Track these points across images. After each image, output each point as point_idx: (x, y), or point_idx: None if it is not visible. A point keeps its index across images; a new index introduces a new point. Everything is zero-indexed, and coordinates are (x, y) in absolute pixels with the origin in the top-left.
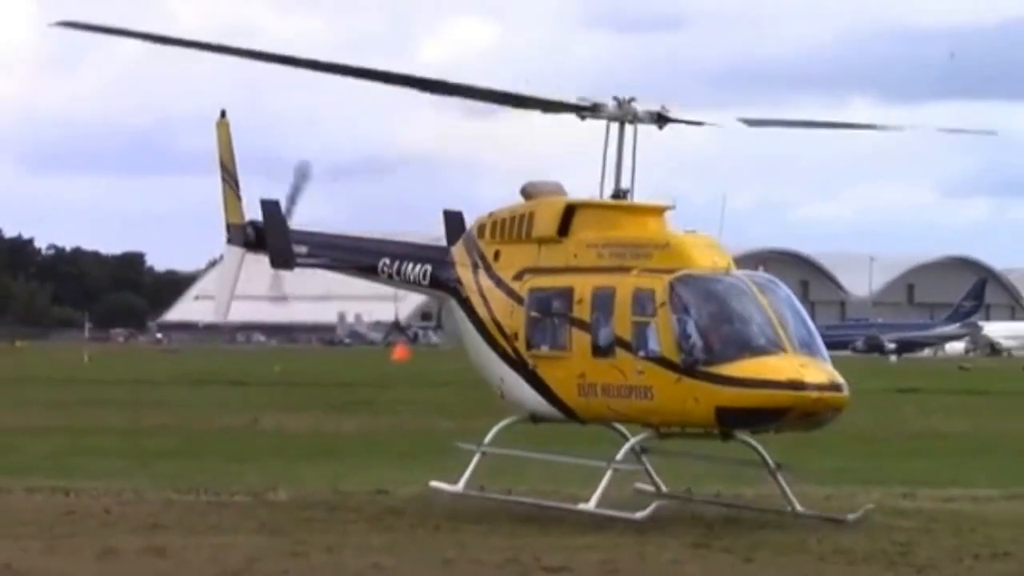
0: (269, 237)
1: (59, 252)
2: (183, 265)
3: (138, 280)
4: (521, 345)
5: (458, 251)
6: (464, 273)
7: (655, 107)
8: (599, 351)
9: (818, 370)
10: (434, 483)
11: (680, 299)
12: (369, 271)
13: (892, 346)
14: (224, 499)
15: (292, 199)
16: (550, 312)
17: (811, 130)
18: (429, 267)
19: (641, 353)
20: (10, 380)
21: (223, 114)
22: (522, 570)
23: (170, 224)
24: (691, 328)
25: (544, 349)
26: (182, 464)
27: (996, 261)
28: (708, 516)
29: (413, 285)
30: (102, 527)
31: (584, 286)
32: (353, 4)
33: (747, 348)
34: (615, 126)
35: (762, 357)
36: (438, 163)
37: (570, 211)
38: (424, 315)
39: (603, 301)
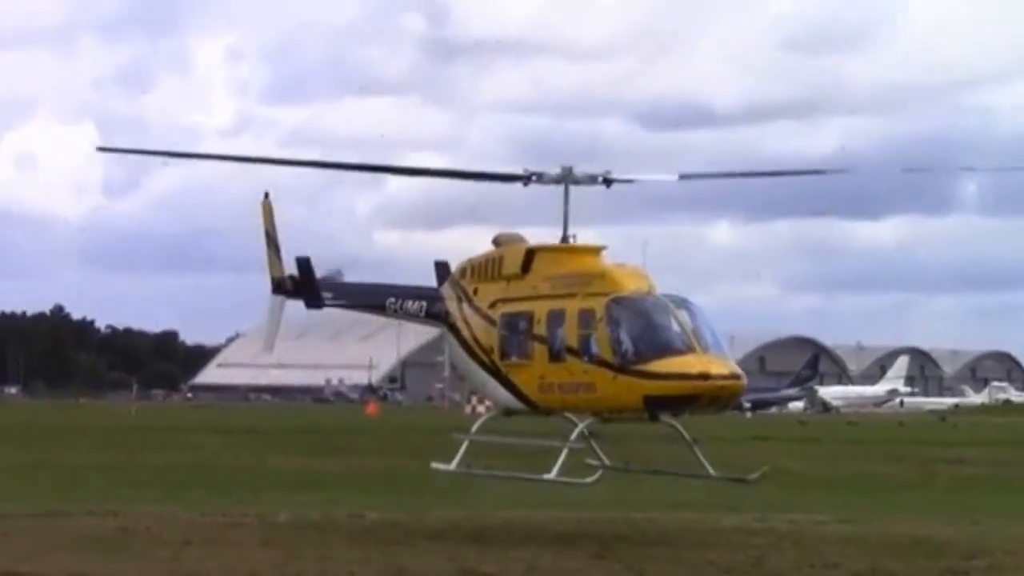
0: (302, 284)
1: (114, 331)
2: (208, 340)
3: (173, 352)
4: (496, 357)
5: (446, 290)
6: (451, 306)
7: (599, 171)
8: (554, 358)
9: (721, 365)
10: (434, 464)
11: (614, 315)
12: (379, 308)
13: (748, 405)
14: (237, 520)
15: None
16: (517, 331)
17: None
18: (424, 303)
19: (586, 357)
20: (74, 429)
21: (266, 195)
22: (461, 573)
23: (198, 310)
24: (623, 336)
25: (514, 359)
26: (206, 494)
27: (827, 339)
28: (606, 534)
29: (413, 317)
30: (144, 542)
31: (541, 309)
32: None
33: (666, 350)
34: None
35: (678, 356)
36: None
37: (530, 254)
38: (391, 379)
39: (556, 320)
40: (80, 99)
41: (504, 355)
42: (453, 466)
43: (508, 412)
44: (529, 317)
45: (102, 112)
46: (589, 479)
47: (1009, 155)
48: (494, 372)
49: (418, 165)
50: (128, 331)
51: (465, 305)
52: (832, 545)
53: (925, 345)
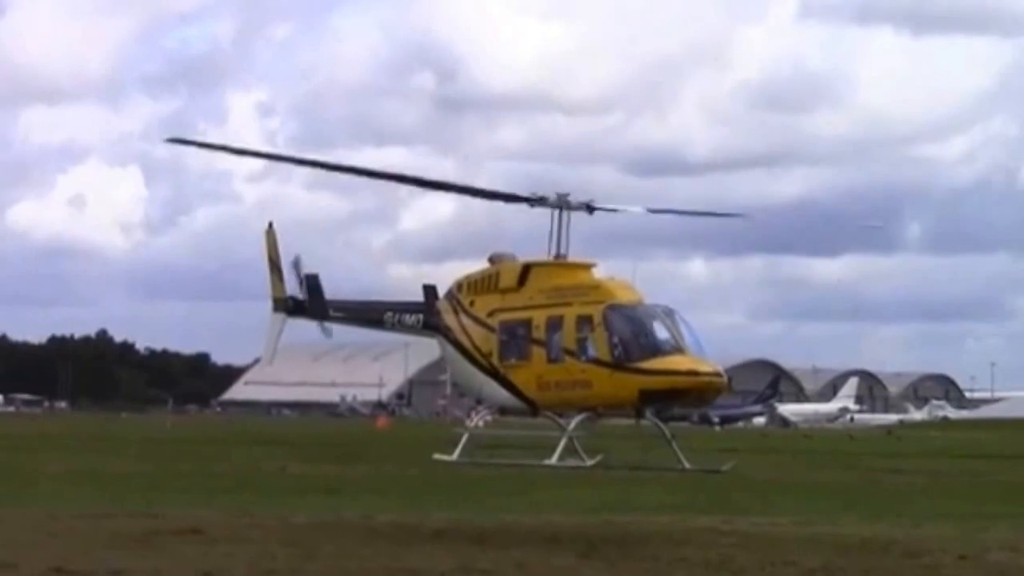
0: (310, 301)
1: (152, 352)
2: (237, 361)
3: (205, 371)
4: (495, 360)
5: (442, 304)
6: (449, 318)
7: (585, 200)
8: (552, 359)
9: (706, 364)
10: (436, 455)
11: (610, 320)
12: (378, 323)
13: (717, 420)
14: (260, 521)
15: (301, 283)
16: (515, 336)
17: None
18: (421, 316)
19: (583, 358)
20: (116, 439)
21: (270, 225)
22: (456, 571)
23: (228, 333)
24: (619, 339)
25: (513, 361)
26: (233, 498)
27: (786, 362)
28: (591, 535)
29: (410, 329)
30: (177, 541)
31: (540, 316)
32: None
33: (658, 351)
34: (557, 212)
35: (668, 356)
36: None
37: (527, 269)
38: (399, 396)
39: (554, 325)
40: (126, 146)
41: (503, 358)
42: (455, 456)
43: (504, 411)
44: (527, 323)
45: (146, 157)
46: (590, 462)
47: (950, 202)
48: (492, 374)
49: (440, 179)
50: (165, 352)
51: (462, 316)
52: (790, 545)
53: (873, 368)
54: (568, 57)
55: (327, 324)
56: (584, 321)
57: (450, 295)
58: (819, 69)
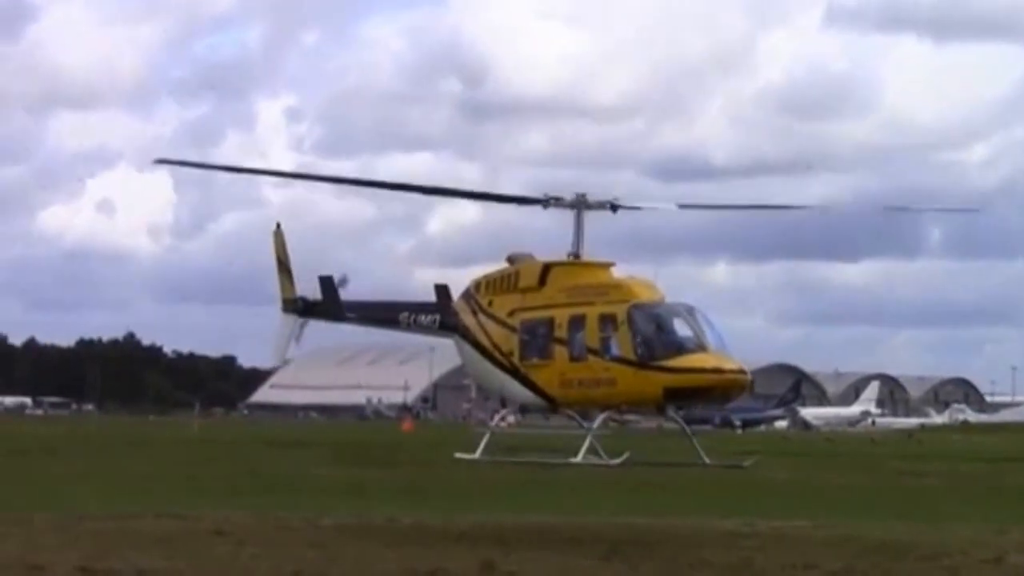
0: (325, 302)
1: (179, 355)
2: (263, 364)
3: (232, 374)
4: (516, 359)
5: (459, 304)
6: (467, 318)
7: (608, 198)
8: (575, 357)
9: (730, 361)
10: (457, 454)
11: (634, 319)
12: (394, 323)
13: (739, 423)
14: (286, 523)
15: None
16: (537, 335)
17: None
18: (437, 316)
19: (607, 356)
20: (144, 441)
21: (278, 226)
22: (480, 572)
23: (254, 337)
24: (643, 337)
25: (534, 360)
26: (259, 500)
27: (808, 366)
28: (612, 537)
29: (426, 329)
30: (204, 542)
31: (562, 315)
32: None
33: (683, 349)
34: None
35: (692, 354)
36: None
37: (547, 269)
38: (424, 399)
39: (576, 324)
40: (155, 151)
41: (524, 357)
42: (477, 455)
43: (524, 409)
44: (549, 322)
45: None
46: (616, 460)
47: (971, 208)
48: (513, 372)
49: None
50: (192, 356)
51: (481, 316)
52: (811, 547)
53: (894, 372)
54: (593, 62)
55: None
56: (607, 320)
57: (467, 295)
58: (843, 75)
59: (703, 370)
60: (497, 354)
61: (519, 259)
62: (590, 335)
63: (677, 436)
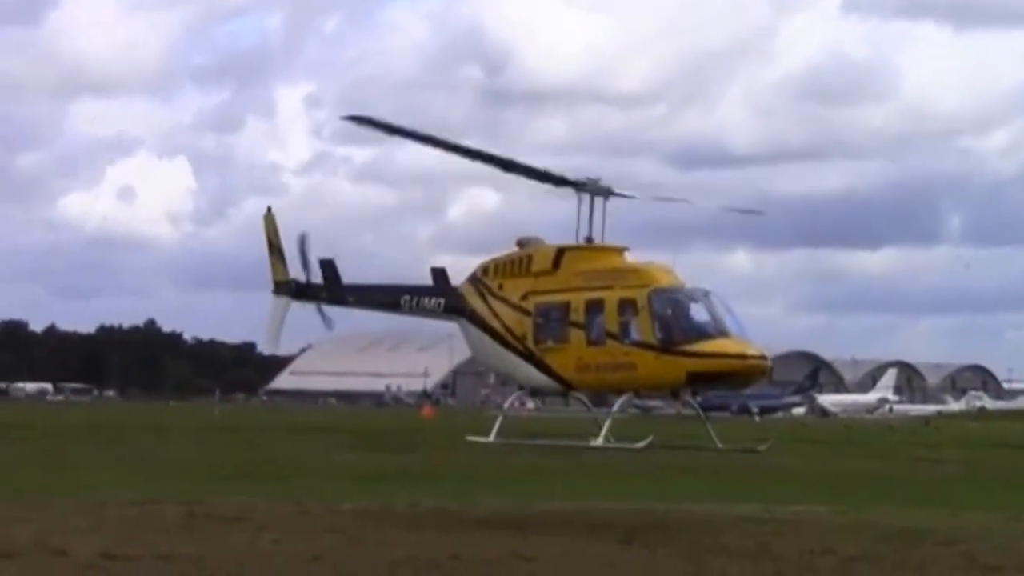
0: (327, 286)
1: (199, 342)
2: (282, 351)
3: (251, 361)
4: (530, 343)
5: (465, 288)
6: (475, 301)
7: (606, 184)
8: (593, 342)
9: (752, 347)
10: (469, 437)
11: (655, 304)
12: (395, 307)
13: (756, 410)
14: (306, 509)
15: (305, 264)
16: (552, 318)
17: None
18: (442, 300)
19: (627, 340)
20: (164, 428)
21: (269, 209)
22: (500, 558)
23: None
24: (665, 322)
25: (549, 343)
26: (279, 485)
27: (826, 354)
28: (631, 523)
29: (430, 313)
30: (224, 528)
31: (578, 299)
32: None
33: (706, 334)
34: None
35: (716, 339)
36: None
37: (560, 253)
38: (444, 386)
39: (594, 308)
40: (176, 138)
41: (539, 340)
42: (491, 438)
43: (534, 392)
44: (565, 306)
45: (195, 149)
46: (640, 444)
47: (990, 194)
48: (526, 356)
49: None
50: (212, 342)
51: (491, 299)
52: (829, 533)
53: (911, 359)
54: (614, 50)
55: (327, 315)
56: (627, 304)
57: (475, 279)
58: (862, 62)
59: (726, 355)
60: (509, 337)
61: (529, 243)
62: (609, 319)
63: (693, 421)
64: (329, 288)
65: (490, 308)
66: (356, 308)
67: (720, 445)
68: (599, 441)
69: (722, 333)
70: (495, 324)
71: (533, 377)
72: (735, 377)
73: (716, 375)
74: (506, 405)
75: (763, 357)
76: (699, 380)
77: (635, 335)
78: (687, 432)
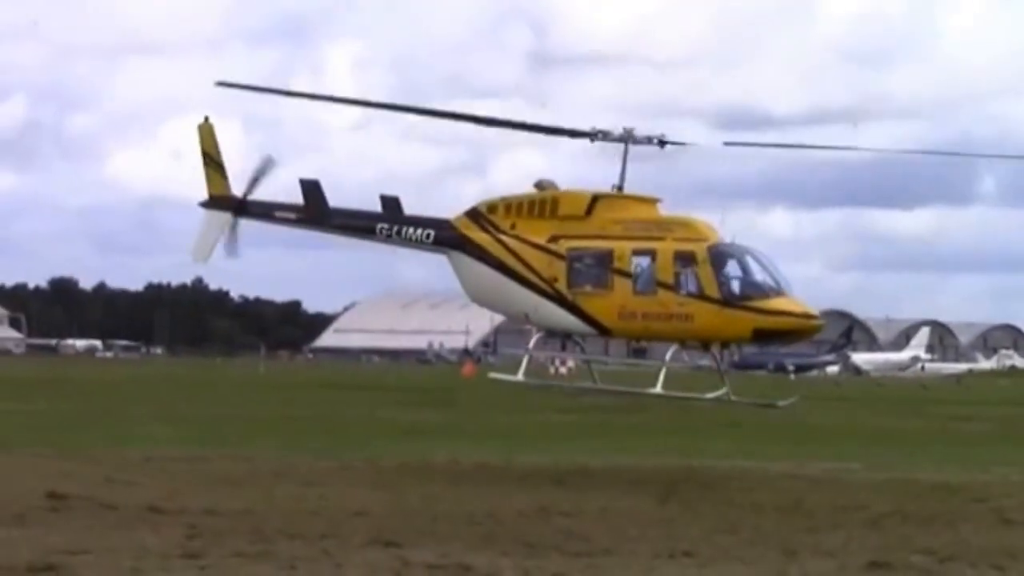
0: (309, 207)
1: (246, 300)
2: (327, 309)
3: (297, 319)
4: (563, 286)
5: (462, 221)
6: (477, 235)
7: (656, 133)
8: (640, 291)
9: (808, 306)
10: (493, 374)
11: (717, 259)
12: (369, 232)
13: (792, 368)
14: (349, 464)
15: (254, 182)
16: (591, 264)
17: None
18: (432, 231)
19: (683, 292)
20: (211, 384)
21: (206, 119)
22: (538, 513)
23: (319, 282)
24: (730, 278)
25: (588, 288)
26: (323, 441)
27: (860, 313)
28: (669, 479)
29: (414, 244)
30: (270, 483)
31: (623, 248)
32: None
33: (771, 291)
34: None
35: (780, 298)
36: None
37: (594, 199)
38: (484, 344)
39: (645, 257)
40: (226, 98)
41: (574, 284)
42: (519, 376)
43: (553, 333)
44: (607, 253)
45: (245, 110)
46: (710, 395)
47: None
48: (554, 298)
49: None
50: (258, 300)
51: (505, 237)
52: (862, 489)
53: (944, 318)
54: (657, 12)
55: (234, 244)
56: (685, 257)
57: (475, 215)
58: (902, 24)
59: (792, 314)
60: (533, 277)
61: (547, 186)
62: (662, 270)
63: (721, 375)
64: (311, 209)
65: (504, 245)
66: (335, 233)
67: (733, 398)
68: (657, 388)
69: (781, 292)
70: (512, 262)
71: (557, 319)
72: (794, 335)
73: (780, 332)
74: (531, 345)
75: (819, 317)
76: (763, 336)
77: (693, 287)
78: (710, 385)
